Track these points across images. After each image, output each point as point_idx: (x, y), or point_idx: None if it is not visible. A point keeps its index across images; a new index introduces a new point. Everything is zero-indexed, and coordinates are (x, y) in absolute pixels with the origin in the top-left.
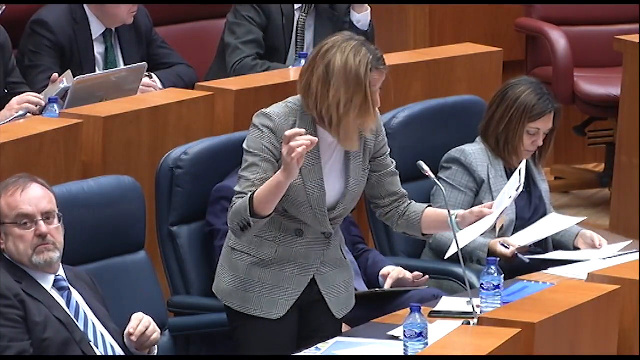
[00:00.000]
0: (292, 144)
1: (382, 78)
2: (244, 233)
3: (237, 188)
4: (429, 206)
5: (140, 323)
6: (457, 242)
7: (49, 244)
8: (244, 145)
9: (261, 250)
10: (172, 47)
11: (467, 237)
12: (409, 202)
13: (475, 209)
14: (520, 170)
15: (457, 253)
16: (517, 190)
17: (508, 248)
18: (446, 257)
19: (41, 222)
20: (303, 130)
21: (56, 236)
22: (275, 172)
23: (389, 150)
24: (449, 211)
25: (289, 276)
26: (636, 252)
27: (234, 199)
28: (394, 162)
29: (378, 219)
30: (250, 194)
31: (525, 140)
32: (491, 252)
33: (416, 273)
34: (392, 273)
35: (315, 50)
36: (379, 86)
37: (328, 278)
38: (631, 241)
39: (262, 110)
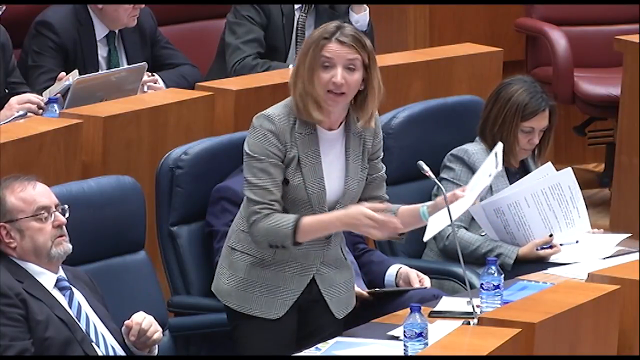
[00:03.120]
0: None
1: (346, 51)
2: (272, 249)
3: (253, 197)
4: (402, 206)
5: (142, 322)
6: (451, 220)
7: (65, 235)
8: (246, 149)
9: (260, 250)
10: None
11: (444, 219)
12: None
13: (448, 194)
14: (496, 153)
15: (458, 254)
16: (496, 168)
17: (550, 247)
18: (424, 239)
19: (58, 213)
20: (382, 206)
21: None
22: (282, 175)
23: (382, 155)
24: (449, 214)
25: (288, 276)
26: (636, 252)
27: (257, 209)
28: (385, 168)
29: None
30: (294, 221)
31: (521, 139)
32: (529, 259)
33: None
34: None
35: None
36: (344, 64)
37: (328, 278)
38: (629, 235)
39: (263, 112)
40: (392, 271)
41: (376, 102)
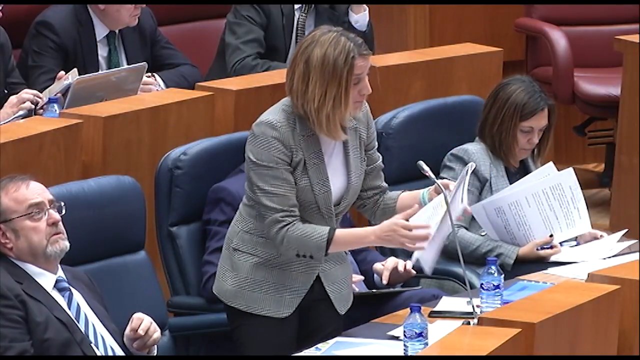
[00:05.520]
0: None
1: (368, 63)
2: (297, 257)
3: (270, 204)
4: (404, 191)
5: (142, 322)
6: (451, 221)
7: (61, 233)
8: (251, 157)
9: (266, 250)
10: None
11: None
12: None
13: (445, 182)
14: (467, 170)
15: (458, 254)
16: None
17: (550, 247)
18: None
19: (51, 211)
20: (412, 211)
21: (63, 225)
22: (293, 179)
23: (377, 145)
24: (450, 216)
25: (294, 275)
26: (636, 252)
27: (279, 217)
28: (381, 157)
29: (355, 209)
30: (328, 234)
31: (520, 139)
32: (530, 259)
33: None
34: (386, 264)
35: (296, 49)
36: (367, 72)
37: (331, 275)
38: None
39: (262, 120)
40: (377, 267)
41: None
